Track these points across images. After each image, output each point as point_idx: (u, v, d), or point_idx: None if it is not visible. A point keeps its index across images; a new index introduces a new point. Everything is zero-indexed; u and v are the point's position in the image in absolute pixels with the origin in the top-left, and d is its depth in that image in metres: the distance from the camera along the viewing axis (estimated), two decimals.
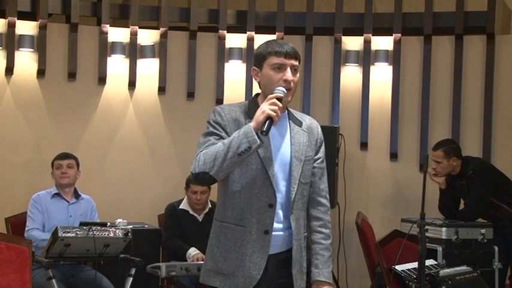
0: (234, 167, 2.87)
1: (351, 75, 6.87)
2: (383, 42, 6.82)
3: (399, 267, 4.61)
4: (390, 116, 6.80)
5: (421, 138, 6.78)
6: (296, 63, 2.96)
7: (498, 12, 6.84)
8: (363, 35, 6.81)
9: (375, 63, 6.82)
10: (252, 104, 3.01)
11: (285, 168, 2.95)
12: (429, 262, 4.78)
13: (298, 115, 3.09)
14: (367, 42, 6.80)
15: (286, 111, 3.02)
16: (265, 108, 2.82)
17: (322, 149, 3.11)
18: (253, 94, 3.12)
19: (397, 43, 6.78)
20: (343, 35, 6.82)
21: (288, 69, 2.93)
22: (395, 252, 4.53)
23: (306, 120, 3.09)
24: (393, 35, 6.78)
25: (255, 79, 3.03)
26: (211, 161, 2.83)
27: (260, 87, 3.03)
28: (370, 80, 6.81)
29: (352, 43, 6.85)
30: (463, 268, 4.84)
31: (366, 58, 6.80)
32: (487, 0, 6.69)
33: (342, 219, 6.59)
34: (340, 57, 6.81)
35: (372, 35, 6.80)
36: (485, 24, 6.71)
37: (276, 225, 2.93)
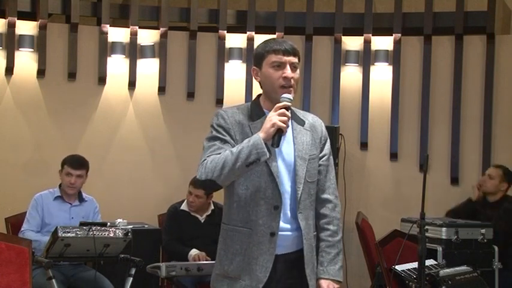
0: (241, 176, 2.87)
1: (351, 75, 6.87)
2: (383, 42, 6.82)
3: (399, 267, 4.61)
4: (390, 116, 6.81)
5: (421, 138, 6.78)
6: (295, 60, 2.94)
7: (498, 12, 6.84)
8: (363, 35, 6.82)
9: (375, 63, 6.82)
10: (254, 106, 2.99)
11: (289, 168, 2.93)
12: (429, 262, 4.78)
13: (301, 114, 3.07)
14: (367, 42, 6.80)
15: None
16: (275, 120, 2.80)
17: (327, 146, 3.08)
18: (254, 95, 3.12)
19: (397, 43, 6.78)
20: (343, 35, 6.82)
21: (288, 67, 2.91)
22: (395, 252, 4.53)
23: (309, 118, 3.08)
24: (393, 35, 6.79)
25: (256, 79, 3.01)
26: (219, 169, 2.81)
27: (261, 87, 3.01)
28: (370, 80, 6.81)
29: (352, 43, 6.85)
30: (463, 268, 4.83)
31: (366, 58, 6.80)
32: (487, 0, 6.70)
33: (342, 219, 6.57)
34: (340, 57, 6.82)
35: (372, 35, 6.80)
36: (485, 24, 6.72)
37: (284, 225, 2.91)
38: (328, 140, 3.10)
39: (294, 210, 2.93)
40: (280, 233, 2.90)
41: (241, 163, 2.78)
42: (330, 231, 3.03)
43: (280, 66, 2.91)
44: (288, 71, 2.91)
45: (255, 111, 2.95)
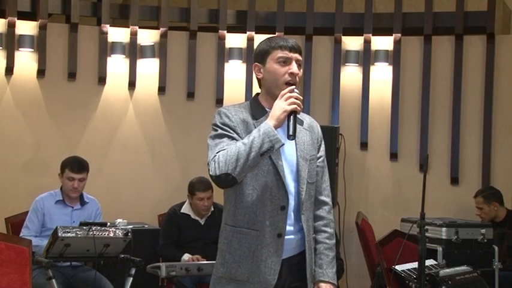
0: (255, 168, 2.79)
1: (351, 75, 6.87)
2: (383, 42, 6.82)
3: (399, 267, 4.61)
4: (390, 116, 6.81)
5: (421, 138, 6.78)
6: (300, 57, 2.92)
7: (498, 12, 6.85)
8: (363, 35, 6.82)
9: (375, 63, 6.82)
10: (254, 105, 2.94)
11: (292, 168, 2.89)
12: (429, 262, 4.78)
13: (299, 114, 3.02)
14: (367, 42, 6.80)
15: None
16: (283, 105, 2.75)
17: (323, 147, 3.05)
18: (253, 94, 3.06)
19: (397, 43, 6.78)
20: (343, 35, 6.82)
21: (294, 63, 2.88)
22: (395, 252, 4.54)
23: (306, 119, 3.02)
24: (393, 35, 6.79)
25: (257, 76, 2.94)
26: (234, 161, 2.72)
27: (261, 85, 2.96)
28: (370, 80, 6.81)
29: (352, 43, 6.85)
30: (463, 268, 4.84)
31: (366, 58, 6.80)
32: (487, 0, 6.70)
33: (342, 219, 6.59)
34: (340, 57, 6.82)
35: (372, 35, 6.80)
36: (485, 24, 6.72)
37: (288, 228, 2.86)
38: (323, 142, 3.08)
39: (297, 211, 2.89)
40: (285, 236, 2.85)
41: (255, 152, 2.70)
42: (327, 233, 3.00)
43: (286, 62, 2.88)
44: (294, 67, 2.87)
45: (256, 109, 2.90)
